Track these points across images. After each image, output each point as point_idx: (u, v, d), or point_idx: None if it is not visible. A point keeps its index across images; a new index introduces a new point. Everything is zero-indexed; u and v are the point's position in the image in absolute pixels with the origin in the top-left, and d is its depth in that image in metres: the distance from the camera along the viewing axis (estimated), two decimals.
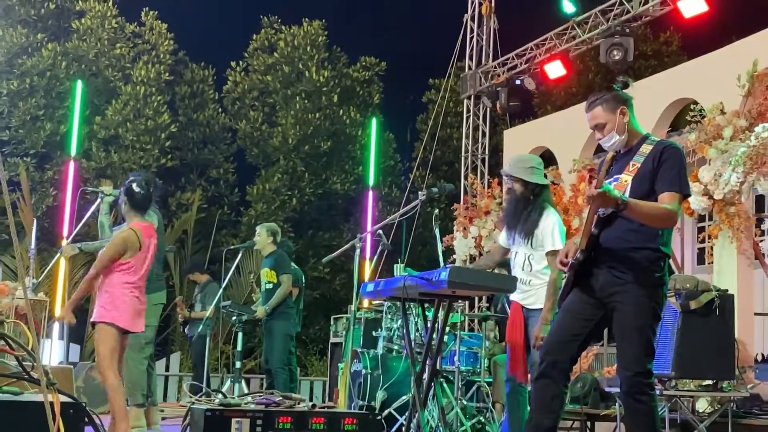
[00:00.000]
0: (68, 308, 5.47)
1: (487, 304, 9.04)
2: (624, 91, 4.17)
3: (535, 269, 5.28)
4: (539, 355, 4.17)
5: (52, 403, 3.02)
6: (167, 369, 13.29)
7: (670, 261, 4.08)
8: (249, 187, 18.82)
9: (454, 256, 12.01)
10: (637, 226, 3.90)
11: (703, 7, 9.36)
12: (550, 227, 5.23)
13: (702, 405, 6.64)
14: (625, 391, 3.91)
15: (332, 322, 10.97)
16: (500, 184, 11.45)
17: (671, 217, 3.90)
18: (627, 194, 3.90)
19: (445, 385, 6.93)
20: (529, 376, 5.24)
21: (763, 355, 8.77)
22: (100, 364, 5.16)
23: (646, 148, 4.02)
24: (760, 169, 7.62)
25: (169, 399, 12.78)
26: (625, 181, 3.98)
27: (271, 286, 8.30)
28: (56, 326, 10.34)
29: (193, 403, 4.81)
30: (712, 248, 8.50)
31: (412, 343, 5.71)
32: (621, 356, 3.98)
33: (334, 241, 18.00)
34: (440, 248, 6.28)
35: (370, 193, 15.26)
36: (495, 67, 12.81)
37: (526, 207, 5.30)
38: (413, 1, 23.36)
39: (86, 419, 3.57)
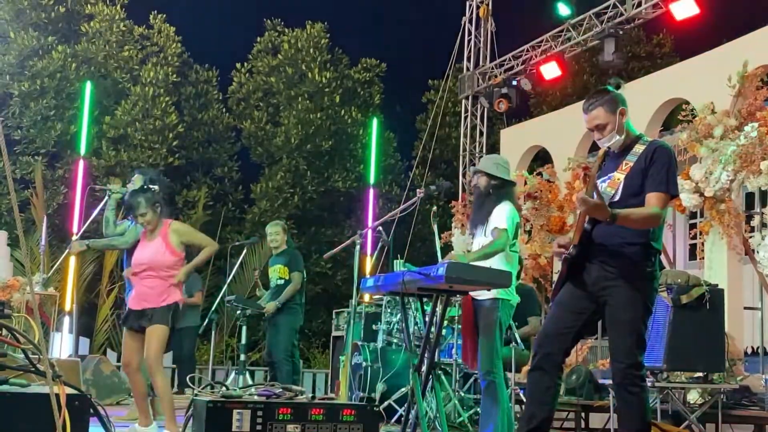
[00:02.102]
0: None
1: None
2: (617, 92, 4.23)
3: (489, 259, 5.20)
4: (533, 348, 4.22)
5: (57, 395, 3.05)
6: (174, 361, 13.37)
7: (661, 256, 4.16)
8: (253, 185, 18.99)
9: (453, 252, 12.10)
10: None
11: (694, 10, 9.47)
12: (498, 212, 5.26)
13: (693, 396, 6.79)
14: (618, 382, 3.98)
15: (334, 316, 11.04)
16: None
17: (657, 219, 3.97)
18: (619, 192, 4.00)
19: (443, 377, 7.04)
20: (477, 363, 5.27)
21: (752, 347, 8.93)
22: (156, 363, 5.30)
23: (639, 148, 4.07)
24: (749, 168, 7.74)
25: (174, 390, 12.87)
26: (618, 179, 4.03)
27: (282, 282, 8.28)
28: (66, 320, 10.49)
29: (196, 395, 4.85)
30: (703, 244, 8.61)
31: (411, 336, 5.79)
32: (613, 349, 4.03)
33: (335, 237, 18.12)
34: (438, 244, 6.37)
35: (371, 191, 15.33)
36: (492, 68, 12.98)
37: (486, 199, 5.36)
38: (413, 4, 23.44)
39: (92, 411, 3.57)
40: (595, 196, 3.88)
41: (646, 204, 3.98)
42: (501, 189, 5.40)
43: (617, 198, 4.03)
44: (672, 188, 4.02)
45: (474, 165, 13.28)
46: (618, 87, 4.23)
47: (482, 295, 5.21)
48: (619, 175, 4.05)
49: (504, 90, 12.35)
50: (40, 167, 16.06)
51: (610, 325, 4.03)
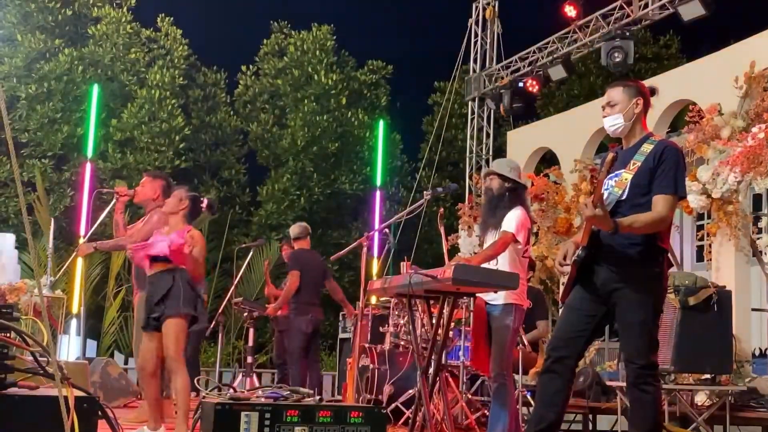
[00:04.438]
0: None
1: None
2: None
3: (500, 263, 5.20)
4: (545, 351, 4.23)
5: (66, 398, 3.05)
6: None
7: (669, 256, 4.14)
8: (260, 188, 19.04)
9: (459, 254, 12.12)
10: None
11: (701, 11, 9.45)
12: (510, 217, 5.23)
13: (700, 398, 6.78)
14: (632, 382, 3.97)
15: (341, 318, 11.07)
16: None
17: (663, 222, 3.97)
18: (626, 191, 4.00)
19: (450, 379, 7.02)
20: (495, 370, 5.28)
21: (760, 349, 8.92)
22: (176, 362, 5.08)
23: (647, 148, 4.07)
24: (756, 169, 7.74)
25: None
26: (626, 179, 4.03)
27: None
28: (74, 322, 10.53)
29: (204, 397, 4.86)
30: (710, 246, 8.61)
31: (418, 338, 5.81)
32: (625, 350, 4.06)
33: (342, 239, 18.14)
34: (445, 246, 6.38)
35: (378, 193, 15.34)
36: (499, 70, 12.97)
37: (500, 202, 5.33)
38: (419, 6, 23.46)
39: (100, 413, 3.55)
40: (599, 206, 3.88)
41: (652, 206, 3.97)
42: (514, 192, 5.39)
43: (624, 197, 4.03)
44: (680, 190, 4.01)
45: (481, 167, 13.29)
46: (652, 93, 4.25)
47: (495, 300, 5.21)
48: (627, 175, 4.04)
49: (510, 91, 12.35)
50: (39, 170, 16.09)
51: (622, 327, 4.04)
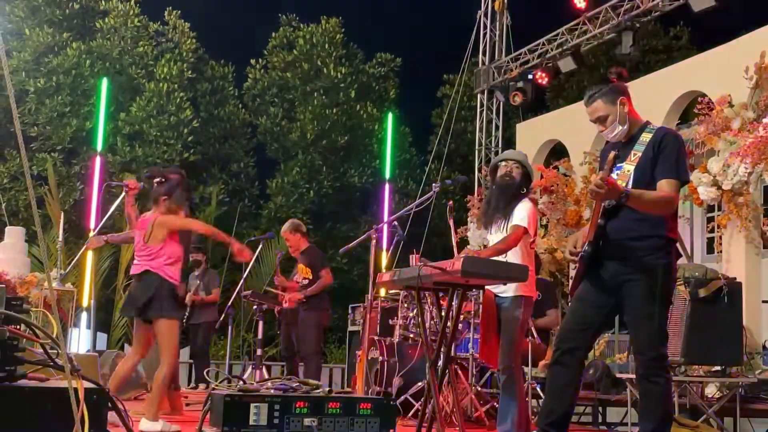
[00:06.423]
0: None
1: None
2: (619, 81, 4.18)
3: (509, 255, 5.14)
4: (555, 343, 4.23)
5: (76, 389, 3.02)
6: (190, 356, 13.42)
7: (678, 246, 4.13)
8: (269, 181, 19.07)
9: (468, 246, 12.10)
10: (643, 216, 3.94)
11: (711, 2, 9.39)
12: (520, 210, 5.21)
13: (711, 390, 6.80)
14: (641, 373, 3.97)
15: (350, 311, 11.08)
16: None
17: (670, 204, 3.95)
18: (630, 183, 3.95)
19: (459, 371, 7.01)
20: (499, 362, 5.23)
21: None
22: (164, 354, 5.38)
23: (646, 137, 4.04)
24: (767, 160, 7.72)
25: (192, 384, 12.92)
26: (628, 171, 4.00)
27: (306, 282, 8.31)
28: (84, 315, 10.55)
29: (214, 389, 4.87)
30: (720, 237, 8.59)
31: (427, 330, 5.80)
32: (635, 342, 4.05)
33: (351, 232, 18.16)
34: (454, 239, 6.36)
35: (387, 186, 15.29)
36: (508, 62, 12.95)
37: (515, 194, 5.31)
38: None
39: (109, 405, 3.49)
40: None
41: (657, 190, 3.94)
42: (527, 186, 5.40)
43: (629, 189, 4.01)
44: (682, 174, 4.00)
45: (490, 159, 13.26)
46: (620, 77, 4.20)
47: (504, 292, 5.20)
48: (629, 167, 4.02)
49: (520, 84, 12.31)
50: (50, 163, 16.13)
51: (631, 318, 4.03)
